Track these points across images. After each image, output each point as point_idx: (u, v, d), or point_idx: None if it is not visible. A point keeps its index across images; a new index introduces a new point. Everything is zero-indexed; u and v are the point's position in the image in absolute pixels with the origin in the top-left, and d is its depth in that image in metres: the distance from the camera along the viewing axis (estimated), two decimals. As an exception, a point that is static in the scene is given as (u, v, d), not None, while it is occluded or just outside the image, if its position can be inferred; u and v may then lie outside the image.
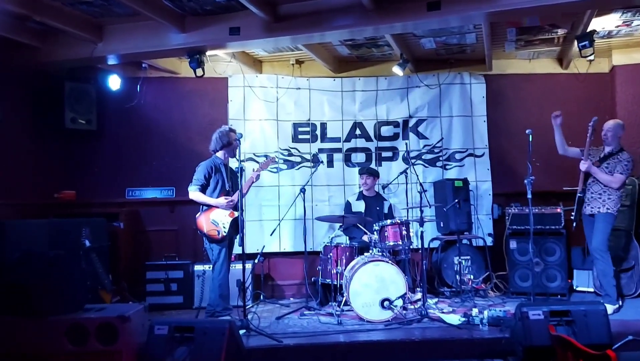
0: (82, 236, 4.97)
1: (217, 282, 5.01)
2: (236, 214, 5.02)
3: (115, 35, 5.17)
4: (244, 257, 4.64)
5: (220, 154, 5.19)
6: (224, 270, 5.04)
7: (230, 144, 5.14)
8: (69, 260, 4.24)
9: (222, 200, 5.02)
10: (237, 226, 4.82)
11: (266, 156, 6.20)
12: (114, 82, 6.04)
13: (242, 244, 4.56)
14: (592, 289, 5.67)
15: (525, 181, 4.86)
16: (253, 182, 5.19)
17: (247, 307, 4.87)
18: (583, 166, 5.02)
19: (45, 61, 5.37)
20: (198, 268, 5.81)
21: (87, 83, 5.99)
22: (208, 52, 5.35)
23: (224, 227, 4.99)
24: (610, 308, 4.39)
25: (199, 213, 5.08)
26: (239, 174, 4.67)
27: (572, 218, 5.09)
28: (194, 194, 5.03)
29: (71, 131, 5.91)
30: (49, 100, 5.80)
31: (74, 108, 5.85)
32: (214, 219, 5.01)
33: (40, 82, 5.76)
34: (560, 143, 5.16)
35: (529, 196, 4.82)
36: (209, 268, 5.37)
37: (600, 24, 5.33)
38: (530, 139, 4.81)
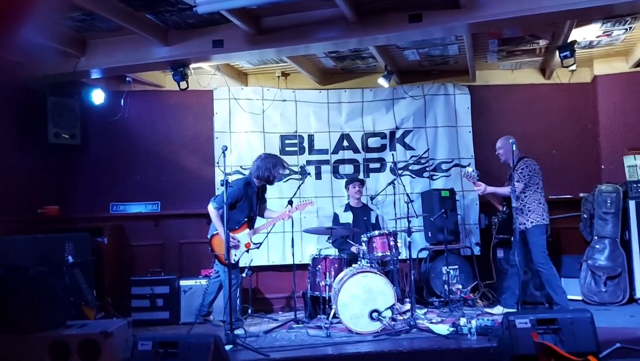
0: (65, 251, 4.90)
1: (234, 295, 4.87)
2: (252, 246, 5.02)
3: (99, 49, 5.15)
4: (229, 270, 4.61)
5: (256, 180, 5.14)
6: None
7: (271, 182, 5.16)
8: (51, 276, 4.20)
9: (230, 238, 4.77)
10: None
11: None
12: (98, 97, 6.00)
13: (228, 258, 4.52)
14: (580, 298, 5.68)
15: (509, 190, 4.87)
16: (284, 220, 5.26)
17: (234, 321, 4.80)
18: (478, 191, 5.21)
19: (28, 76, 5.33)
20: (184, 283, 5.75)
21: (70, 97, 5.94)
22: (192, 65, 5.35)
23: (235, 254, 4.88)
24: None
25: (215, 232, 4.98)
26: (224, 188, 4.60)
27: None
28: (212, 211, 4.93)
29: (55, 146, 5.85)
30: (32, 115, 5.74)
31: (57, 123, 5.80)
32: None
33: (24, 97, 5.70)
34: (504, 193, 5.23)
35: (514, 205, 4.83)
36: (195, 283, 5.28)
37: (581, 34, 5.40)
38: (514, 149, 4.85)
